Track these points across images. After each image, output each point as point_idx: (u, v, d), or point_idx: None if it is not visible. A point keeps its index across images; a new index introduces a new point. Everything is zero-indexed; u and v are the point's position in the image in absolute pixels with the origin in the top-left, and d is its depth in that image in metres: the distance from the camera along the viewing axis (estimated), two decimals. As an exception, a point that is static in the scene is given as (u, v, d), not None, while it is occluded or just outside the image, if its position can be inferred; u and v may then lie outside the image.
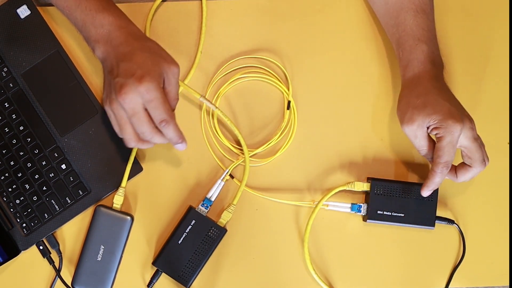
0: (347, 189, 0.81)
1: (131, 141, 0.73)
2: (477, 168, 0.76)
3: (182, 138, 0.74)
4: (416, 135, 0.76)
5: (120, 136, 0.73)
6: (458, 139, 0.74)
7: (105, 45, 0.73)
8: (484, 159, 0.76)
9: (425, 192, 0.77)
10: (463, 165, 0.78)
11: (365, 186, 0.81)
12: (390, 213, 0.80)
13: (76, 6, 0.74)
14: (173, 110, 0.74)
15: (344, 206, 0.82)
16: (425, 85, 0.76)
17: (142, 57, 0.70)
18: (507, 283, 0.83)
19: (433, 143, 0.76)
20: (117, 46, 0.72)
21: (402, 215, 0.80)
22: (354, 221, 0.83)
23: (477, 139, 0.75)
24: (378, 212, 0.80)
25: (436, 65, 0.78)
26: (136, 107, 0.70)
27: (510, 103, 0.86)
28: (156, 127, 0.72)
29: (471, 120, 0.75)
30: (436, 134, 0.74)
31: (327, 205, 0.82)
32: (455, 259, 0.83)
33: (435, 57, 0.78)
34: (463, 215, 0.84)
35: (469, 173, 0.77)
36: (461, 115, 0.74)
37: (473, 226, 0.84)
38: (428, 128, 0.75)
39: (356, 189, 0.81)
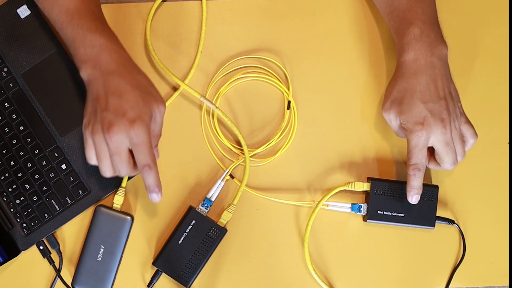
0: (347, 189, 0.81)
1: (107, 173, 0.71)
2: (445, 168, 0.76)
3: (159, 187, 0.72)
4: (390, 122, 0.78)
5: (92, 163, 0.72)
6: (425, 143, 0.74)
7: (93, 68, 0.71)
8: (454, 162, 0.75)
9: (411, 199, 0.77)
10: (433, 159, 0.78)
11: (365, 186, 0.81)
12: (390, 213, 0.80)
13: (68, 22, 0.73)
14: (155, 146, 0.74)
15: (344, 206, 0.82)
16: (409, 79, 0.75)
17: (134, 96, 0.69)
18: (507, 283, 0.83)
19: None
20: (107, 74, 0.70)
21: (402, 215, 0.80)
22: (354, 221, 0.83)
23: (449, 144, 0.74)
24: (378, 212, 0.80)
25: (432, 50, 0.75)
26: (121, 147, 0.69)
27: (510, 103, 0.86)
28: (134, 166, 0.71)
29: (445, 124, 0.73)
30: (405, 134, 0.76)
31: (327, 205, 0.82)
32: (455, 259, 0.83)
33: (432, 40, 0.75)
34: (463, 215, 0.84)
35: (437, 168, 0.78)
36: (433, 119, 0.73)
37: (473, 226, 0.84)
38: (400, 122, 0.76)
39: (356, 189, 0.81)
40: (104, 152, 0.70)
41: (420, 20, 0.76)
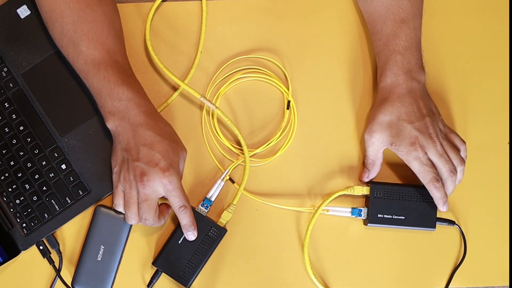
0: (347, 193, 0.81)
1: (133, 220, 0.75)
2: (445, 178, 0.77)
3: (194, 226, 0.77)
4: (372, 145, 0.80)
5: (119, 209, 0.76)
6: (426, 158, 0.77)
7: (121, 120, 0.73)
8: (451, 170, 0.77)
9: (443, 208, 0.79)
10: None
11: (364, 190, 0.81)
12: (391, 216, 0.80)
13: (94, 73, 0.74)
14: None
15: (344, 211, 0.82)
16: (393, 103, 0.78)
17: (164, 146, 0.73)
18: (507, 283, 0.83)
19: (380, 159, 0.81)
20: (136, 126, 0.73)
21: (403, 217, 0.80)
22: (355, 225, 0.83)
23: (442, 155, 0.77)
24: (379, 215, 0.80)
25: (412, 75, 0.78)
26: (153, 195, 0.73)
27: (510, 103, 0.86)
28: (158, 216, 0.76)
29: (433, 138, 0.76)
30: (402, 158, 0.78)
31: (327, 210, 0.82)
32: (455, 259, 0.83)
33: (412, 66, 0.78)
34: (464, 215, 0.84)
35: (445, 186, 0.79)
36: (423, 137, 0.76)
37: (473, 227, 0.83)
38: (391, 145, 0.78)
39: (355, 193, 0.81)
40: (134, 199, 0.73)
41: (402, 47, 0.78)
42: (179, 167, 0.75)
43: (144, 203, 0.73)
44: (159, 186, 0.72)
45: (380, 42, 0.80)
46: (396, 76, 0.78)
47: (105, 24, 0.76)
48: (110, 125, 0.75)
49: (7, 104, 0.81)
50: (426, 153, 0.77)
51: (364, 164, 0.82)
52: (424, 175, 0.77)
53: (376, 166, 0.81)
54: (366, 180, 0.82)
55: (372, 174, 0.81)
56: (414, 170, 0.78)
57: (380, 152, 0.80)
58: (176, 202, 0.74)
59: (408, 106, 0.77)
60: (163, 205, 0.79)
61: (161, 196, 0.74)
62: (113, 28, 0.77)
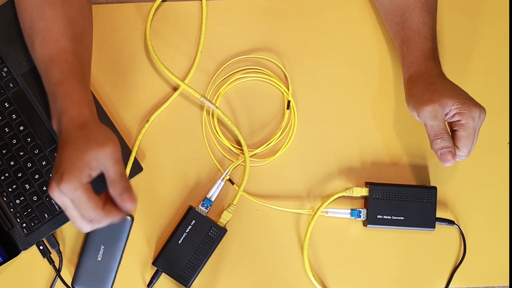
0: (346, 195, 0.81)
1: (83, 226, 0.66)
2: (461, 153, 0.75)
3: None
4: (436, 116, 0.73)
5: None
6: (479, 125, 0.73)
7: (56, 125, 0.70)
8: (467, 153, 0.75)
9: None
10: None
11: (363, 191, 0.81)
12: (390, 217, 0.80)
13: (43, 73, 0.72)
14: (125, 190, 0.66)
15: (343, 212, 0.82)
16: (436, 76, 0.76)
17: (70, 150, 0.66)
18: (507, 283, 0.83)
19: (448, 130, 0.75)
20: (59, 133, 0.69)
21: (402, 218, 0.80)
22: (354, 226, 0.83)
23: (476, 132, 0.74)
24: (378, 216, 0.80)
25: (438, 64, 0.78)
26: (65, 202, 0.65)
27: (510, 103, 0.86)
28: (103, 207, 0.66)
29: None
30: (458, 120, 0.73)
31: (327, 212, 0.82)
32: (455, 259, 0.83)
33: (437, 56, 0.78)
34: (463, 215, 0.84)
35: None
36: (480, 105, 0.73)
37: (473, 226, 0.84)
38: (446, 114, 0.73)
39: (354, 195, 0.81)
40: (64, 206, 0.66)
41: (432, 35, 0.78)
42: (81, 173, 0.64)
43: (68, 211, 0.66)
44: (62, 195, 0.65)
45: (409, 29, 0.78)
46: (430, 62, 0.76)
47: (63, 23, 0.72)
48: (53, 127, 0.71)
49: (7, 104, 0.81)
50: (480, 120, 0.73)
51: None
52: (468, 143, 0.73)
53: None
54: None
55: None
56: (462, 133, 0.73)
57: (444, 121, 0.75)
58: (84, 213, 0.65)
59: (450, 81, 0.76)
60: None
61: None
62: (71, 29, 0.73)
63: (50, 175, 0.69)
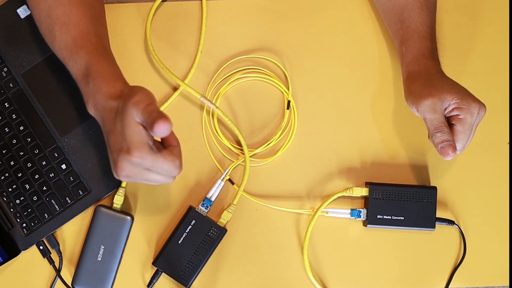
0: (346, 195, 0.81)
1: (168, 179, 0.68)
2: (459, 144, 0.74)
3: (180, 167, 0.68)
4: (435, 109, 0.73)
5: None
6: (477, 121, 0.73)
7: (93, 104, 0.70)
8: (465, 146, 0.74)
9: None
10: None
11: (363, 191, 0.81)
12: (390, 217, 0.80)
13: (68, 58, 0.72)
14: (164, 120, 0.63)
15: (343, 212, 0.82)
16: (435, 74, 0.76)
17: (121, 124, 0.65)
18: (507, 283, 0.83)
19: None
20: (101, 111, 0.69)
21: (402, 218, 0.80)
22: (354, 226, 0.83)
23: (474, 128, 0.74)
24: (378, 216, 0.80)
25: (438, 63, 0.78)
26: (142, 173, 0.67)
27: (510, 103, 0.86)
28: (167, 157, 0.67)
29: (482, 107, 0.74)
30: (456, 115, 0.73)
31: (327, 212, 0.82)
32: (455, 259, 0.83)
33: (437, 55, 0.78)
34: (463, 215, 0.84)
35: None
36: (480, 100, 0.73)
37: (473, 226, 0.84)
38: (445, 109, 0.73)
39: (355, 195, 0.81)
40: (139, 178, 0.68)
41: (430, 35, 0.78)
42: (142, 137, 0.65)
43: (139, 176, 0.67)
44: (134, 167, 0.66)
45: (408, 29, 0.78)
46: (429, 61, 0.76)
47: (82, 6, 0.73)
48: (90, 112, 0.71)
49: (7, 104, 0.81)
50: (478, 116, 0.73)
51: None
52: (465, 138, 0.73)
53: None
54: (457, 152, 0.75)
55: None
56: (459, 127, 0.73)
57: (443, 115, 0.74)
58: (164, 173, 0.68)
59: (449, 78, 0.76)
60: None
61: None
62: (90, 10, 0.74)
63: (112, 162, 0.68)
